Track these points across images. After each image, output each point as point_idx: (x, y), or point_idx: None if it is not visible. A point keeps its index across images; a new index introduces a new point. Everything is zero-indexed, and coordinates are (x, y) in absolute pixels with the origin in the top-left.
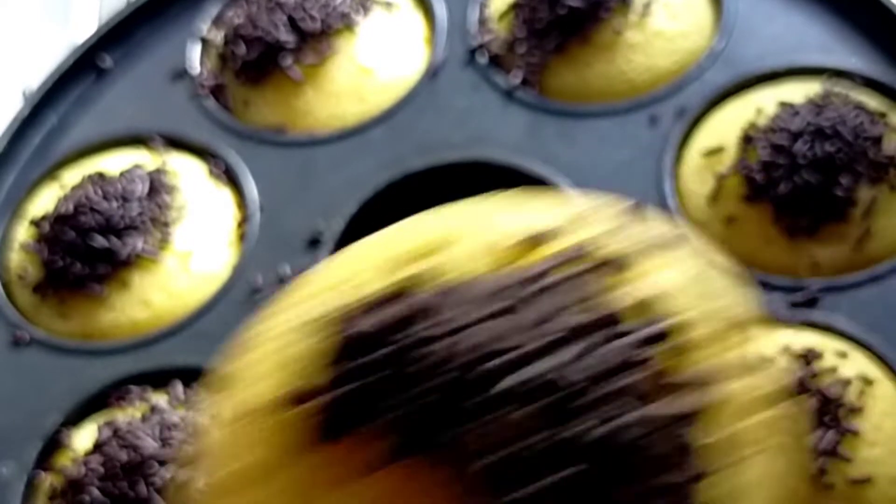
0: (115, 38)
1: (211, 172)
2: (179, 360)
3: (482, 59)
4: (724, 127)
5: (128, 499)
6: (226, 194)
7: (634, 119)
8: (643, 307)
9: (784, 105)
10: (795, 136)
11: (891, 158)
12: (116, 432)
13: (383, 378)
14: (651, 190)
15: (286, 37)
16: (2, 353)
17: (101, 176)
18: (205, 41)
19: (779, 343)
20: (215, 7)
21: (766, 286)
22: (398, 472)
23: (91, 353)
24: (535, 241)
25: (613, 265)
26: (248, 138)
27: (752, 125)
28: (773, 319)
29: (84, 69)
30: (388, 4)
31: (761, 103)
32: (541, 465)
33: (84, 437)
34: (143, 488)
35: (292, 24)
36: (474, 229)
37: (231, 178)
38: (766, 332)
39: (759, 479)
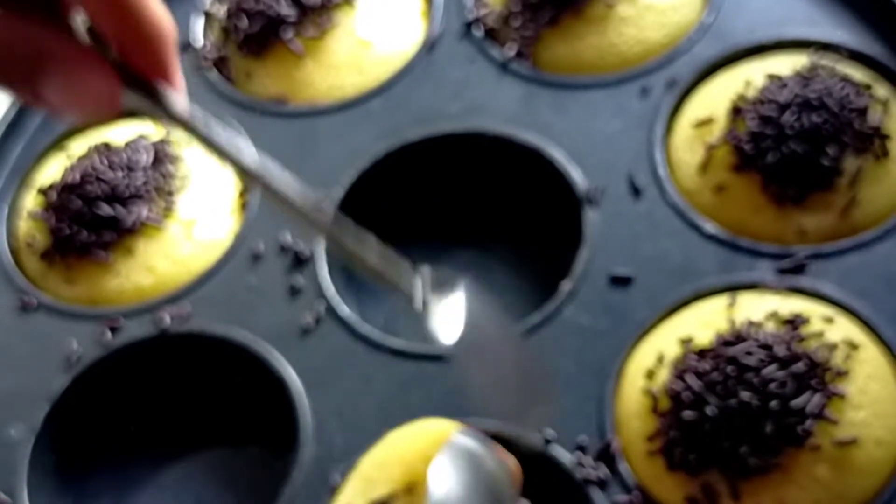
0: None
1: None
2: (183, 325)
3: (478, 33)
4: (714, 98)
5: None
6: None
7: (626, 90)
8: None
9: (772, 77)
10: (783, 107)
11: (876, 129)
12: None
13: None
14: (642, 159)
15: (287, 10)
16: (10, 318)
17: (106, 146)
18: (208, 15)
19: (767, 308)
20: None
21: (755, 253)
22: None
23: (97, 317)
24: None
25: None
26: (250, 109)
27: (741, 97)
28: (762, 285)
29: None
30: None
31: (750, 75)
32: None
33: None
34: None
35: None
36: None
37: None
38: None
39: None
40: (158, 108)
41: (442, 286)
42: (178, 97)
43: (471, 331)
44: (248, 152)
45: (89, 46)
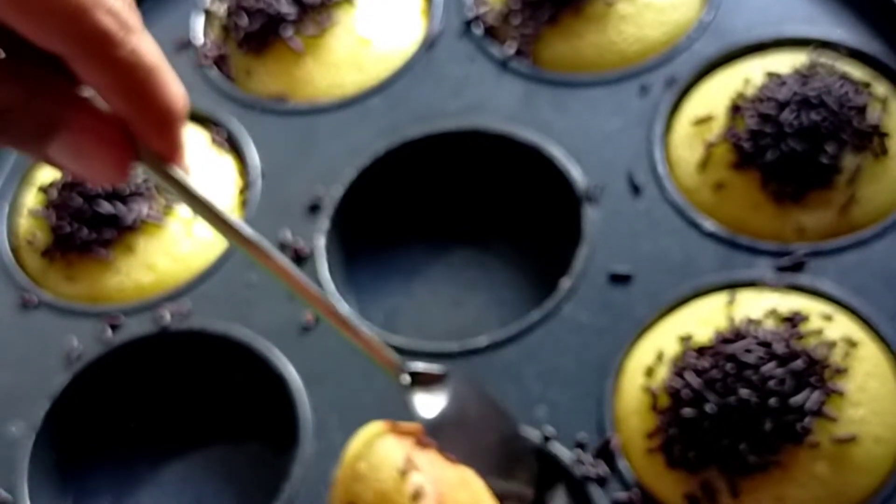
0: None
1: (213, 140)
2: (183, 322)
3: (477, 31)
4: (713, 96)
5: None
6: (228, 162)
7: (626, 88)
8: None
9: (771, 75)
10: (782, 105)
11: (875, 127)
12: None
13: None
14: (642, 157)
15: (287, 8)
16: (11, 316)
17: None
18: (208, 13)
19: (766, 306)
20: None
21: (754, 251)
22: None
23: (97, 315)
24: None
25: None
26: (250, 107)
27: (740, 95)
28: (761, 283)
29: None
30: None
31: (749, 73)
32: None
33: None
34: None
35: None
36: None
37: (233, 146)
38: (754, 295)
39: None
40: (165, 181)
41: (431, 381)
42: (186, 173)
43: (451, 410)
44: (249, 230)
45: (103, 114)
